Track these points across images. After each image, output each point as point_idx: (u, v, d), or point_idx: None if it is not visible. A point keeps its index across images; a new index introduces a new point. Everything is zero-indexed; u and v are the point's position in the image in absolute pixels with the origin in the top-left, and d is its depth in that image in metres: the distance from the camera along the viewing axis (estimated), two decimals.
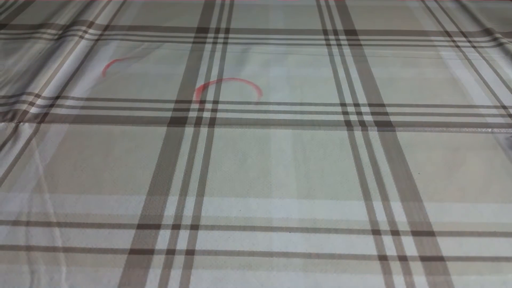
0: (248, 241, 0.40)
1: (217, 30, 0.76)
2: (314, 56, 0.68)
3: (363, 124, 0.54)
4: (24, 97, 0.56)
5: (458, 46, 0.71)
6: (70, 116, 0.55)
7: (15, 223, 0.41)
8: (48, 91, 0.59)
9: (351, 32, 0.75)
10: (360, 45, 0.72)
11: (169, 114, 0.56)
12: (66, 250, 0.39)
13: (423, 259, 0.39)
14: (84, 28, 0.74)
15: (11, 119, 0.53)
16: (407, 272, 0.37)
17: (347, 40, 0.73)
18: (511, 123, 0.54)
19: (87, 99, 0.58)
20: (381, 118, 0.55)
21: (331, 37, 0.74)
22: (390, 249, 0.39)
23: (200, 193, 0.45)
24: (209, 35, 0.74)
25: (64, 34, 0.72)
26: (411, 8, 0.84)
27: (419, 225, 0.42)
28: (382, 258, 0.39)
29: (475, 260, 0.39)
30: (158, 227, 0.41)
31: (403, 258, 0.39)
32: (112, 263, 0.38)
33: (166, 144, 0.51)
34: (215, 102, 0.58)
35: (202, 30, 0.76)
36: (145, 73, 0.64)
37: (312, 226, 0.41)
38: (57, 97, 0.58)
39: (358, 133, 0.53)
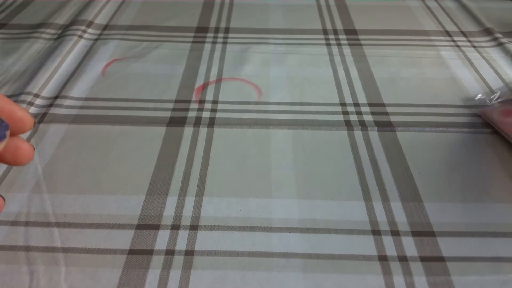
0: (248, 241, 0.40)
1: (217, 30, 0.75)
2: (314, 55, 0.68)
3: (363, 124, 0.54)
4: (23, 97, 0.56)
5: (458, 46, 0.71)
6: (69, 116, 0.55)
7: (14, 223, 0.41)
8: (47, 91, 0.59)
9: (351, 32, 0.75)
10: (360, 44, 0.71)
11: (168, 114, 0.55)
12: (65, 250, 0.39)
13: (423, 259, 0.38)
14: (83, 27, 0.74)
15: None
16: (407, 273, 0.37)
17: (347, 39, 0.73)
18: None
19: (86, 99, 0.58)
20: (381, 118, 0.55)
21: (331, 36, 0.74)
22: (390, 250, 0.39)
23: (200, 193, 0.45)
24: (208, 34, 0.74)
25: (63, 33, 0.72)
26: (411, 8, 0.84)
27: (419, 225, 0.42)
28: (382, 258, 0.38)
29: (475, 261, 0.38)
30: (157, 227, 0.41)
31: (403, 259, 0.38)
32: (111, 263, 0.38)
33: (165, 144, 0.51)
34: (215, 102, 0.58)
35: (201, 29, 0.76)
36: (144, 73, 0.64)
37: (312, 227, 0.41)
38: (56, 97, 0.58)
39: (358, 133, 0.52)
